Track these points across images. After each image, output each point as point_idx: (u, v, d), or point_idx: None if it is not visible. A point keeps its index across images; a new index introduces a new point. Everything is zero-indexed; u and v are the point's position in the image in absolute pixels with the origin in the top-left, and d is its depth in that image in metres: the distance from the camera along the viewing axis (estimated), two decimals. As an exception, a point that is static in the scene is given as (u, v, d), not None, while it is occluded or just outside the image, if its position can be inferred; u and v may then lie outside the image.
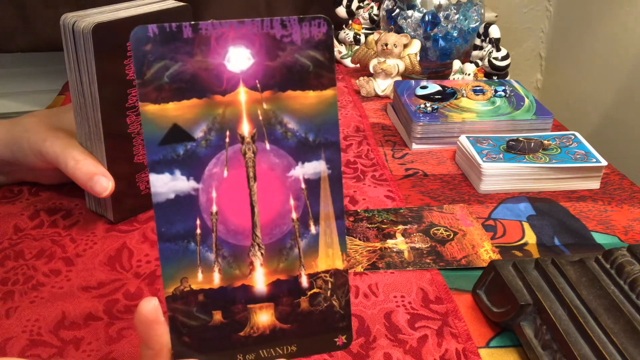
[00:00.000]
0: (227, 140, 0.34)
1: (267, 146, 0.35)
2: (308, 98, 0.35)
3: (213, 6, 1.17)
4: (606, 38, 1.25)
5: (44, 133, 0.58)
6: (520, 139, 0.71)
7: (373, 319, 0.49)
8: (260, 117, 0.34)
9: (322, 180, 0.35)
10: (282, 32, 0.34)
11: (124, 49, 0.55)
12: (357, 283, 0.53)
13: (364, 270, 0.55)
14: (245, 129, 0.34)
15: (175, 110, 0.33)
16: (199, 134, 0.34)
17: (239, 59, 0.34)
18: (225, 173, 0.34)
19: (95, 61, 0.52)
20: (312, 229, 0.36)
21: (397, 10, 1.01)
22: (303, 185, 0.35)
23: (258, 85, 0.34)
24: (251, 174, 0.35)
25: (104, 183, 0.55)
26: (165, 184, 0.33)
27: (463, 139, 0.73)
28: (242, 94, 0.34)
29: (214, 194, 0.34)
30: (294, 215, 0.35)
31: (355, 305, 0.51)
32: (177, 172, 0.33)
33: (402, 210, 0.64)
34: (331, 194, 0.36)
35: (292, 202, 0.35)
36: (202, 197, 0.34)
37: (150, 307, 0.33)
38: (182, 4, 0.59)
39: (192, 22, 0.33)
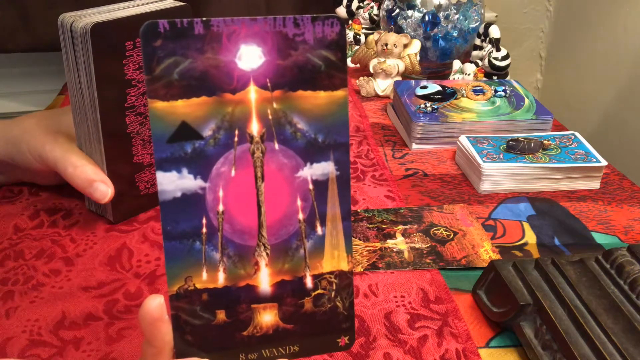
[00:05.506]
0: (236, 139, 0.34)
1: (276, 146, 0.34)
2: (319, 98, 0.34)
3: (213, 6, 1.17)
4: (606, 38, 1.25)
5: (44, 137, 0.58)
6: (520, 139, 0.71)
7: (373, 319, 0.49)
8: (270, 117, 0.34)
9: (330, 181, 0.35)
10: (295, 30, 0.33)
11: (122, 48, 0.54)
12: (357, 283, 0.53)
13: (364, 270, 0.55)
14: (255, 128, 0.34)
15: (184, 108, 0.32)
16: (207, 132, 0.33)
17: (250, 57, 0.33)
18: (233, 172, 0.34)
19: (93, 61, 0.52)
20: (319, 230, 0.35)
21: (397, 10, 1.01)
22: (311, 186, 0.35)
23: (269, 84, 0.33)
24: (259, 174, 0.34)
25: (103, 189, 0.55)
26: (172, 182, 0.33)
27: (463, 139, 0.73)
28: (253, 93, 0.33)
29: (220, 193, 0.34)
30: (300, 216, 0.35)
31: (356, 305, 0.50)
32: (185, 171, 0.33)
33: (402, 210, 0.64)
34: (339, 195, 0.35)
35: (299, 202, 0.35)
36: (208, 196, 0.34)
37: (155, 305, 0.33)
38: (181, 3, 0.59)
39: (204, 19, 0.32)
